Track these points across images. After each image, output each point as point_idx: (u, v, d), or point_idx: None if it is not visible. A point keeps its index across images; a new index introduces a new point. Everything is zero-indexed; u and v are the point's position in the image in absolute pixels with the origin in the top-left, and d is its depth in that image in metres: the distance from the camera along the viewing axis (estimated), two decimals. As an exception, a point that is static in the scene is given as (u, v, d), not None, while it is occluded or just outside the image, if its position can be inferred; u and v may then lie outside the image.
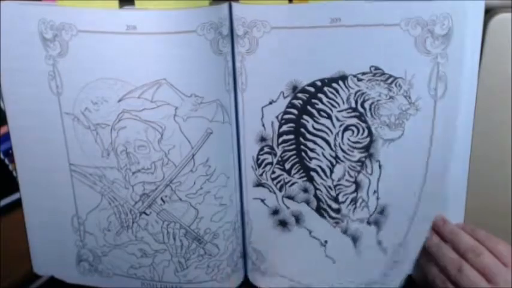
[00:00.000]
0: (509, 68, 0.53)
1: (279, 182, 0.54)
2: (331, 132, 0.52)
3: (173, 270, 0.57)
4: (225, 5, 0.51)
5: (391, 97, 0.49)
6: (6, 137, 0.57)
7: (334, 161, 0.53)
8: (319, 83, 0.51)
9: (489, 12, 0.52)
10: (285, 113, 0.52)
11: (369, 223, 0.54)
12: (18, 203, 0.59)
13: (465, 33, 0.48)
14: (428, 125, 0.50)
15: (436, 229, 0.55)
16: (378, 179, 0.53)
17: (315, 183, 0.54)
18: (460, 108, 0.50)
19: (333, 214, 0.54)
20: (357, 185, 0.53)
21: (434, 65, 0.48)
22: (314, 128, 0.52)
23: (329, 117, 0.51)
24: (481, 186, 0.56)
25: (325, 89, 0.51)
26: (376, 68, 0.49)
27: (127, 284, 0.59)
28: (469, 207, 0.56)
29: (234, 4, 0.51)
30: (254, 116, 0.53)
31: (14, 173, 0.59)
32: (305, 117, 0.52)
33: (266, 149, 0.54)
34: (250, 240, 0.57)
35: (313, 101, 0.51)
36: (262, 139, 0.54)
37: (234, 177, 0.56)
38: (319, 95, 0.51)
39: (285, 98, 0.52)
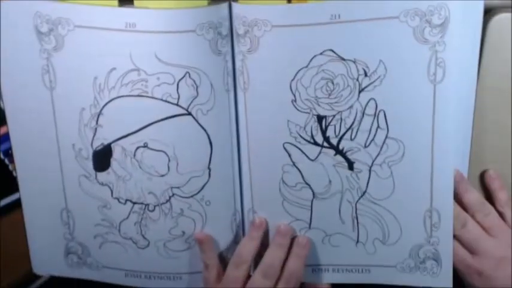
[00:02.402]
0: (509, 68, 0.53)
1: None
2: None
3: (161, 261, 0.57)
4: (225, 5, 0.51)
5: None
6: (6, 137, 0.57)
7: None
8: None
9: (489, 12, 0.52)
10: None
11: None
12: (18, 203, 0.59)
13: (462, 22, 0.49)
14: (429, 109, 0.51)
15: None
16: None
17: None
18: (460, 93, 0.51)
19: None
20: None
21: (432, 53, 0.49)
22: None
23: None
24: (481, 185, 0.57)
25: None
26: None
27: (115, 276, 0.59)
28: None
29: (233, 4, 0.51)
30: (258, 114, 0.53)
31: (14, 173, 0.59)
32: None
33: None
34: None
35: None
36: None
37: (234, 176, 0.56)
38: None
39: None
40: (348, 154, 0.53)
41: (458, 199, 0.54)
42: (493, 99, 0.54)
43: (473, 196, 0.54)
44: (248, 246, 0.55)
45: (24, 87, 0.54)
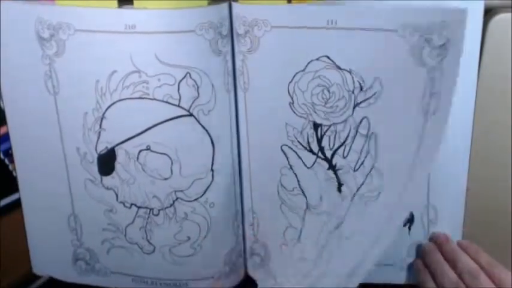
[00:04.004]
0: (509, 68, 0.53)
1: None
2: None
3: (167, 267, 0.57)
4: (225, 5, 0.51)
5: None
6: (6, 137, 0.57)
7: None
8: None
9: (489, 12, 0.52)
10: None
11: None
12: (18, 203, 0.59)
13: (464, 41, 0.45)
14: (415, 143, 0.48)
15: (438, 246, 0.54)
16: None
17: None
18: (460, 93, 0.47)
19: None
20: None
21: (429, 79, 0.47)
22: None
23: None
24: (481, 186, 0.57)
25: None
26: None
27: (122, 281, 0.59)
28: (469, 207, 0.56)
29: (234, 4, 0.51)
30: (258, 114, 0.53)
31: (14, 173, 0.59)
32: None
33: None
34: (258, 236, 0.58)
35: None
36: None
37: (234, 176, 0.56)
38: None
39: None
40: (339, 173, 0.52)
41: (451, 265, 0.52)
42: (493, 99, 0.54)
43: (460, 258, 0.52)
44: None
45: (27, 93, 0.54)
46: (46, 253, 0.60)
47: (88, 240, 0.58)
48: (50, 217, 0.58)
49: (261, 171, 0.55)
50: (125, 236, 0.57)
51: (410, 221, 0.55)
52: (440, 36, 0.45)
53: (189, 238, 0.56)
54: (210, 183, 0.54)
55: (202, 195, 0.54)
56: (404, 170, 0.48)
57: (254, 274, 0.59)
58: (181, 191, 0.54)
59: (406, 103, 0.48)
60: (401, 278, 0.57)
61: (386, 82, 0.48)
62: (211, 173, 0.54)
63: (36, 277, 0.62)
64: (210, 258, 0.57)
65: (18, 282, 0.62)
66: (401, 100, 0.48)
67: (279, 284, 0.57)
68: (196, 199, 0.55)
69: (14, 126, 0.56)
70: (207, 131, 0.53)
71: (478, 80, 0.52)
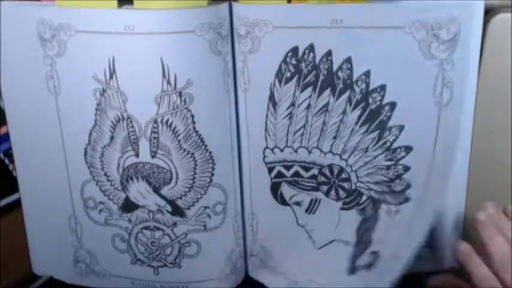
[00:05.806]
0: (509, 68, 0.53)
1: None
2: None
3: (167, 270, 0.57)
4: (225, 5, 0.51)
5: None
6: (6, 137, 0.57)
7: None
8: None
9: (489, 12, 0.52)
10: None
11: None
12: (18, 203, 0.59)
13: (470, 37, 0.47)
14: (433, 132, 0.50)
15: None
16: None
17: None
18: (463, 112, 0.50)
19: None
20: None
21: (439, 71, 0.48)
22: None
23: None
24: (481, 186, 0.57)
25: None
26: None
27: (122, 284, 0.59)
28: (469, 207, 0.56)
29: (234, 4, 0.51)
30: (258, 115, 0.53)
31: (14, 173, 0.59)
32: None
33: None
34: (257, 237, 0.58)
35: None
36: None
37: (234, 177, 0.56)
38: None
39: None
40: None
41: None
42: (493, 99, 0.54)
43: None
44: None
45: (28, 94, 0.54)
46: (46, 253, 0.60)
47: (88, 242, 0.58)
48: (50, 217, 0.58)
49: (261, 172, 0.55)
50: (126, 238, 0.57)
51: None
52: (449, 31, 0.46)
53: (189, 242, 0.56)
54: (210, 186, 0.54)
55: (202, 196, 0.54)
56: (425, 164, 0.50)
57: (255, 275, 0.59)
58: (182, 195, 0.54)
59: (417, 95, 0.49)
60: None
61: (393, 77, 0.49)
62: (210, 175, 0.54)
63: (36, 277, 0.62)
64: (210, 260, 0.57)
65: (18, 282, 0.62)
66: (412, 93, 0.49)
67: (290, 278, 0.57)
68: (196, 202, 0.55)
69: (14, 126, 0.56)
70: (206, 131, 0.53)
71: (478, 80, 0.52)
